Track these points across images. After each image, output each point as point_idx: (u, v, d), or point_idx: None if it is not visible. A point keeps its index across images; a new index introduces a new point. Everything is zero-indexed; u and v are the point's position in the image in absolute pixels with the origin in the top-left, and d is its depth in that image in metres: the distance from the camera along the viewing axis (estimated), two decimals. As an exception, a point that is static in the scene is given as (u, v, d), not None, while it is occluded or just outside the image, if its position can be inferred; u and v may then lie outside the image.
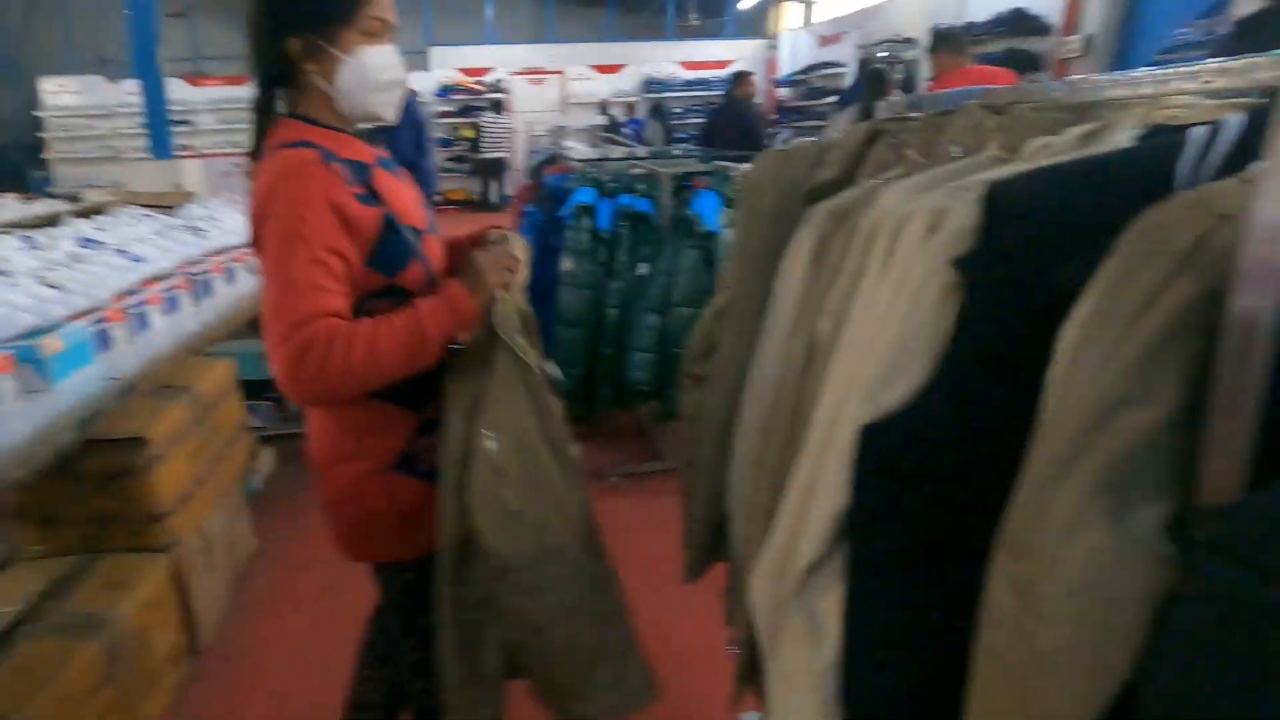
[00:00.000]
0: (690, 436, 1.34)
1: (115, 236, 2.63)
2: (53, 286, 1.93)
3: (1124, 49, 6.76)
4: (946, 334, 0.80)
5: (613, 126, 11.23)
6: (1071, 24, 7.09)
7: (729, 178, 3.07)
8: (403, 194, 1.25)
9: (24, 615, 1.80)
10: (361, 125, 1.26)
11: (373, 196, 1.17)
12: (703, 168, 3.25)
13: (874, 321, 0.87)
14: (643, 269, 3.01)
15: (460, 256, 1.34)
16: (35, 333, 1.73)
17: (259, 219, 1.13)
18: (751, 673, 1.15)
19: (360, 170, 1.18)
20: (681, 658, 2.15)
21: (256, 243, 1.15)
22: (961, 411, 0.77)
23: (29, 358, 1.66)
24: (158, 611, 1.96)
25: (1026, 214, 0.71)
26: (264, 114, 1.22)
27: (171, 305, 2.40)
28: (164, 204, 4.83)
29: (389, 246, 1.18)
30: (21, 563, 1.95)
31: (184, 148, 11.18)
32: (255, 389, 3.47)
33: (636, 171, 3.34)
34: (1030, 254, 0.72)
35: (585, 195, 3.08)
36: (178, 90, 11.71)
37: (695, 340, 1.30)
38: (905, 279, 0.85)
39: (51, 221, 3.57)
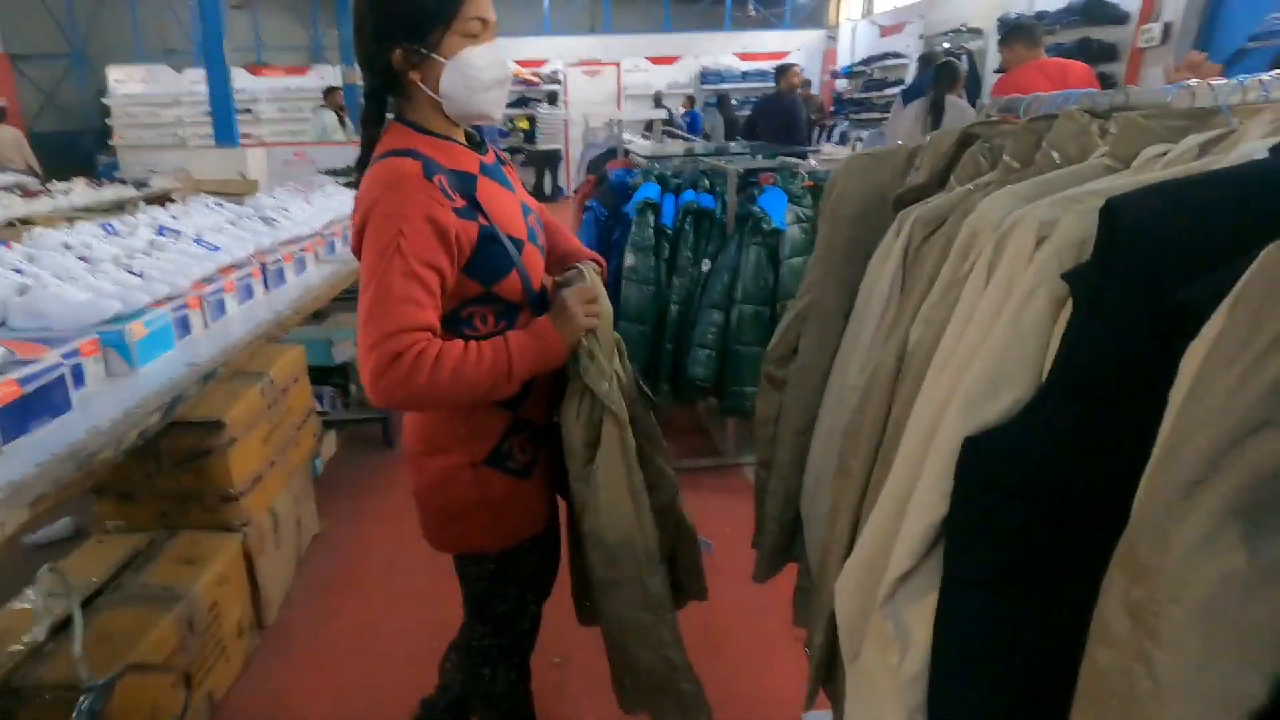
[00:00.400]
0: (767, 438, 1.33)
1: (191, 225, 2.72)
2: (136, 274, 2.00)
3: (1207, 37, 6.45)
4: (1053, 348, 0.79)
5: (670, 119, 11.16)
6: (1149, 10, 6.74)
7: (795, 175, 3.04)
8: (505, 203, 1.25)
9: (105, 585, 1.88)
10: (474, 124, 1.28)
11: (473, 207, 1.18)
12: (768, 164, 3.22)
13: (975, 332, 0.86)
14: (706, 265, 3.00)
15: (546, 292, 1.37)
16: (120, 318, 1.80)
17: (360, 227, 1.15)
18: (827, 675, 1.14)
19: (463, 181, 1.19)
20: (740, 654, 2.15)
21: (357, 248, 1.16)
22: (1070, 428, 0.75)
23: (115, 342, 1.73)
24: (228, 587, 2.03)
25: (1152, 231, 0.69)
26: (372, 125, 1.24)
27: (246, 293, 2.47)
28: (230, 191, 4.99)
29: (487, 257, 1.19)
30: (102, 536, 2.03)
31: (246, 136, 11.53)
32: (320, 375, 3.57)
33: (700, 167, 3.33)
34: (1153, 272, 0.70)
35: (650, 191, 3.08)
36: (240, 80, 12.09)
37: (775, 342, 1.30)
38: (1010, 290, 0.83)
39: (121, 206, 3.72)
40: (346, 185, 4.81)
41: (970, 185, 1.10)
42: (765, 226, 2.90)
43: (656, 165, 3.41)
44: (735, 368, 2.95)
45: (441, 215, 1.12)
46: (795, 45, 13.83)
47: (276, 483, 2.38)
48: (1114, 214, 0.72)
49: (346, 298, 4.45)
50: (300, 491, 2.62)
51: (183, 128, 11.98)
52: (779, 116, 6.76)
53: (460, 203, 1.16)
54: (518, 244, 1.24)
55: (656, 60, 13.45)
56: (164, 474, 2.01)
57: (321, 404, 3.57)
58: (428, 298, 1.12)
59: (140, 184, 6.53)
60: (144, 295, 1.87)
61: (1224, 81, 0.93)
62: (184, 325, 2.05)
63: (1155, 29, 6.62)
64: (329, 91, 8.99)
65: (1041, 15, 7.48)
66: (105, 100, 12.40)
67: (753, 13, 14.56)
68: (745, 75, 13.12)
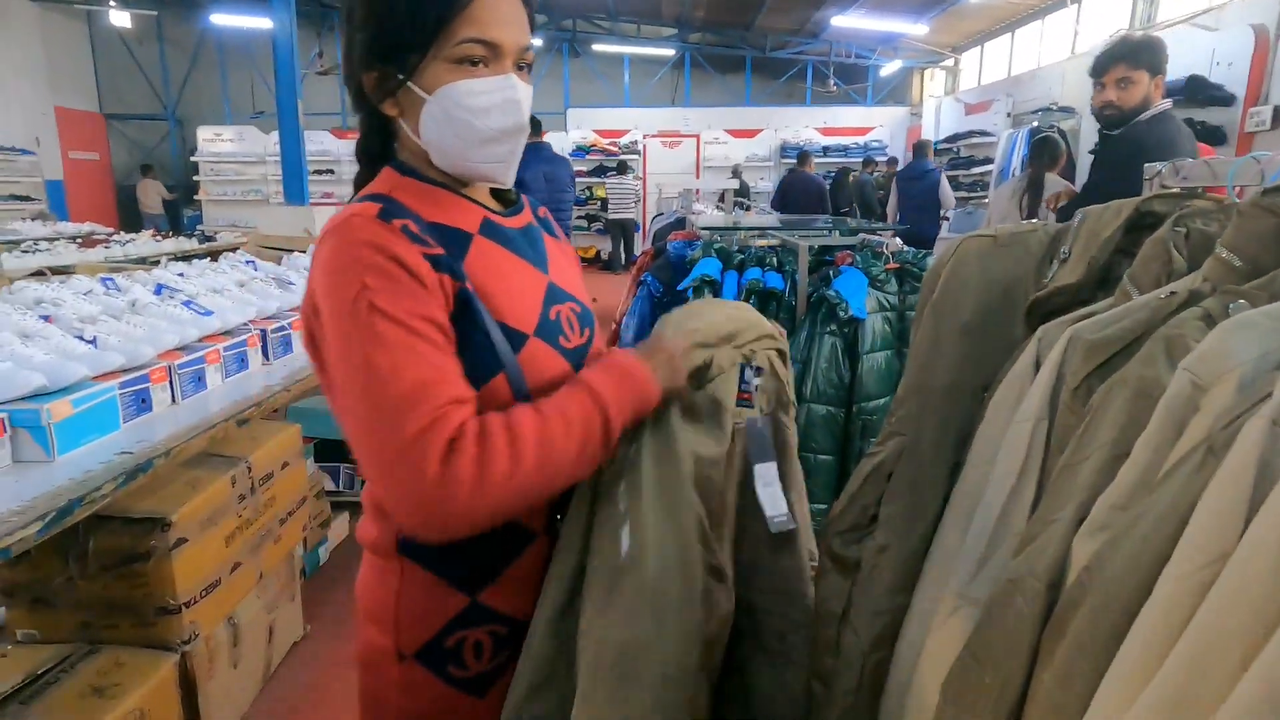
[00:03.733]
0: (828, 642, 0.90)
1: (198, 285, 2.48)
2: (88, 340, 1.73)
3: None
4: None
5: (743, 189, 10.97)
6: (1256, 92, 6.31)
7: (879, 255, 2.63)
8: (513, 279, 0.89)
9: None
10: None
11: (455, 265, 0.83)
12: (847, 240, 2.83)
13: (1233, 594, 0.43)
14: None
15: None
16: (45, 394, 1.51)
17: (308, 311, 0.82)
18: None
19: (448, 237, 0.85)
20: None
21: (314, 350, 0.83)
22: None
23: (28, 423, 1.43)
24: (157, 721, 1.67)
25: None
26: (361, 167, 0.95)
27: (239, 364, 2.19)
28: (293, 247, 4.88)
29: (462, 344, 0.82)
30: (5, 649, 1.71)
31: (328, 195, 11.87)
32: (332, 450, 3.28)
33: (767, 242, 2.96)
34: None
35: (709, 267, 2.71)
36: (325, 141, 12.58)
37: (844, 505, 0.88)
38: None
39: (182, 259, 3.59)
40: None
41: (1164, 292, 0.67)
42: (842, 314, 2.49)
43: (719, 238, 3.05)
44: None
45: (408, 254, 0.79)
46: (879, 121, 13.60)
47: (242, 588, 2.04)
48: None
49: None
50: (278, 594, 2.27)
51: (266, 185, 12.49)
52: (804, 188, 7.92)
53: (437, 249, 0.82)
54: (515, 337, 0.86)
55: (736, 133, 13.43)
56: (90, 578, 1.69)
57: (336, 483, 3.27)
58: (449, 360, 0.79)
59: (208, 238, 6.59)
60: (81, 368, 1.58)
61: None
62: (140, 402, 1.75)
63: (1265, 112, 6.15)
64: None
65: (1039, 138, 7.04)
66: (195, 158, 13.03)
67: (834, 88, 14.43)
68: (826, 149, 12.93)
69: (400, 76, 0.84)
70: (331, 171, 12.63)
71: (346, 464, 3.30)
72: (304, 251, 3.62)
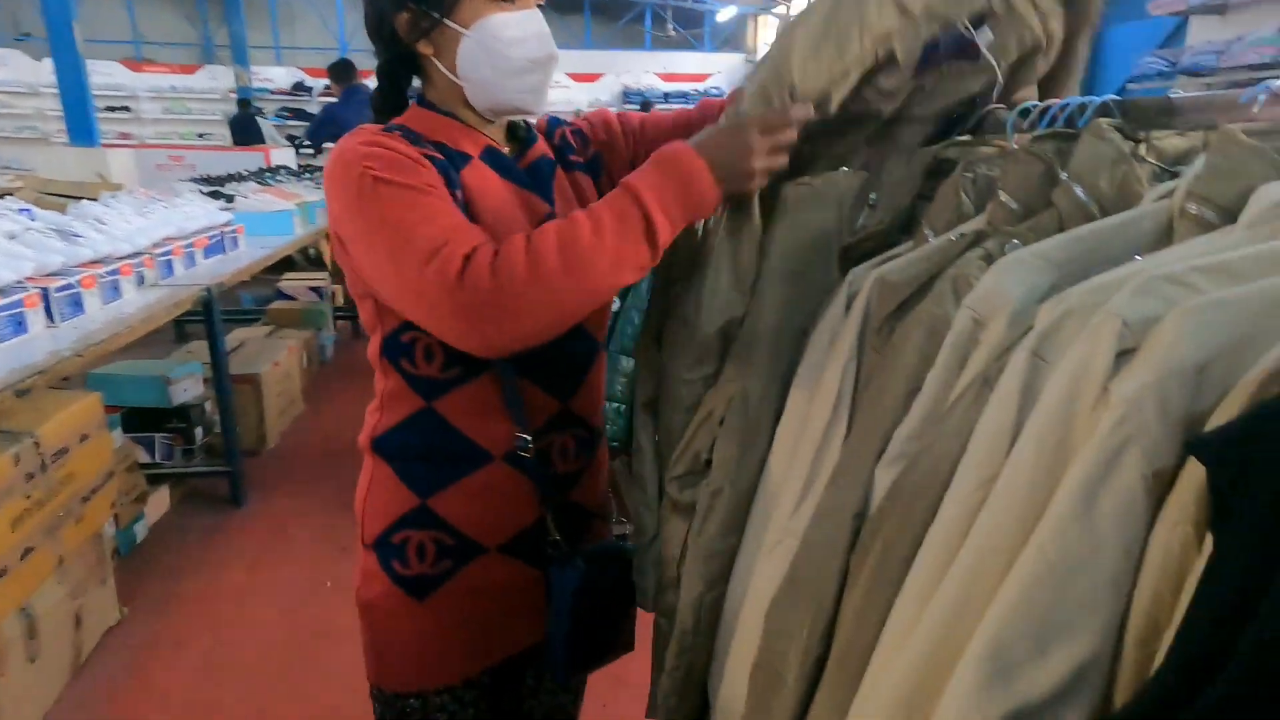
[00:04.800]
0: (669, 580, 0.92)
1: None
2: None
3: (1089, 77, 6.68)
4: (1157, 570, 0.41)
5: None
6: None
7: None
8: (501, 203, 0.91)
9: None
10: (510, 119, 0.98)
11: (450, 176, 0.87)
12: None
13: (1004, 518, 0.47)
14: (614, 304, 2.60)
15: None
16: None
17: (334, 224, 0.87)
18: None
19: (450, 154, 0.89)
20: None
21: (341, 249, 0.88)
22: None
23: None
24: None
25: None
26: (381, 114, 0.96)
27: (13, 327, 1.93)
28: (85, 194, 4.32)
29: None
30: None
31: (126, 136, 10.55)
32: (152, 419, 3.00)
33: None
34: None
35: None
36: (116, 74, 11.06)
37: (678, 452, 0.89)
38: (1068, 445, 0.45)
39: None
40: (211, 194, 4.22)
41: (954, 234, 0.72)
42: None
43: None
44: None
45: (407, 149, 0.84)
46: (716, 68, 13.79)
47: (36, 575, 1.84)
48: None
49: (190, 320, 3.87)
50: (85, 578, 2.07)
51: (44, 121, 10.47)
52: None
53: (434, 154, 0.87)
54: None
55: (578, 77, 13.18)
56: None
57: (152, 455, 2.99)
58: (456, 211, 0.83)
59: (-24, 183, 5.71)
60: None
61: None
62: (-114, 377, 1.51)
63: None
64: None
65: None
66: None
67: (673, 33, 14.45)
68: (667, 96, 13.01)
69: (436, 15, 0.86)
70: (127, 109, 11.07)
71: (163, 434, 3.02)
72: (95, 199, 3.21)
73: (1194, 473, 0.39)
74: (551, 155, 1.01)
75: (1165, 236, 0.58)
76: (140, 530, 2.70)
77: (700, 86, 13.35)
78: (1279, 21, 4.18)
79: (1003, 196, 0.72)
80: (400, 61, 0.93)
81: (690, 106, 1.14)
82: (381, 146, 0.83)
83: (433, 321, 0.80)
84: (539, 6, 0.91)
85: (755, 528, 0.83)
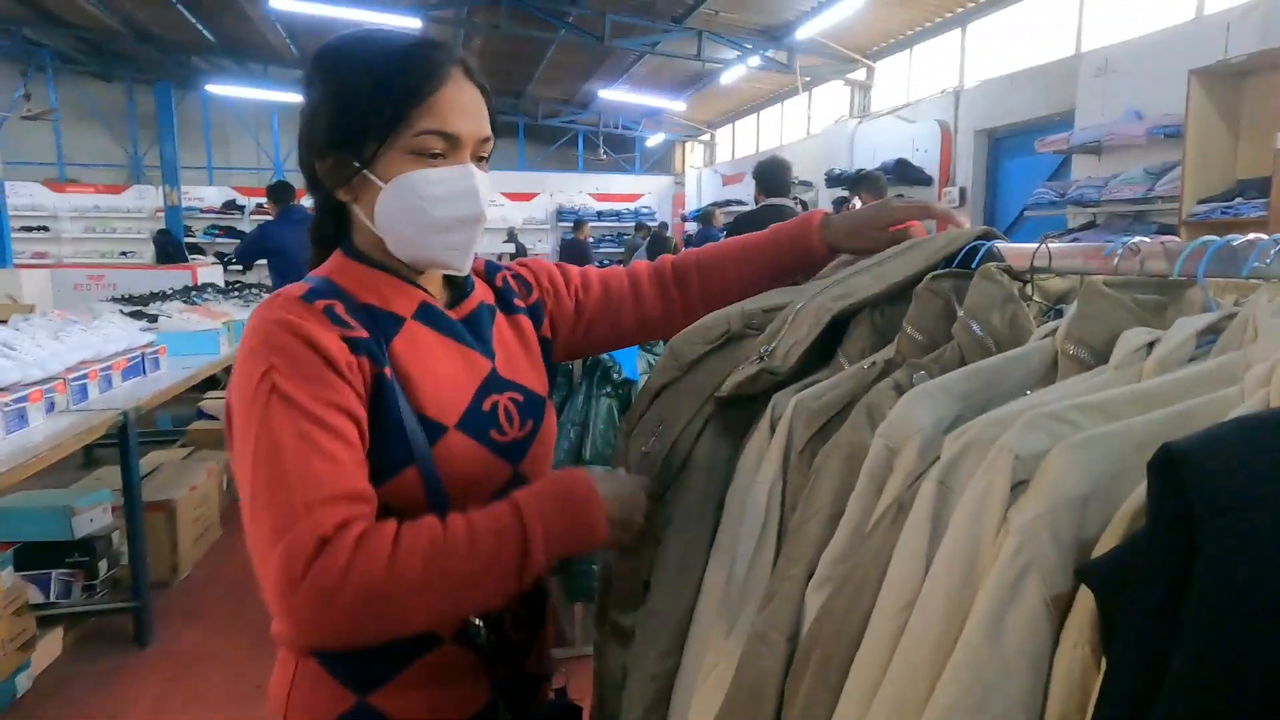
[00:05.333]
0: (610, 711, 0.90)
1: None
2: None
3: (991, 202, 7.34)
4: (1069, 690, 0.43)
5: (520, 252, 11.13)
6: (946, 176, 7.61)
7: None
8: (440, 366, 0.85)
9: None
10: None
11: (378, 348, 0.80)
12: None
13: (923, 638, 0.50)
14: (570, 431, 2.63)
15: None
16: None
17: (228, 393, 0.79)
18: None
19: (379, 321, 0.82)
20: None
21: (229, 430, 0.78)
22: None
23: None
24: None
25: (1257, 505, 0.36)
26: (317, 254, 0.90)
27: (-92, 460, 1.82)
28: (-9, 317, 4.15)
29: (378, 427, 0.78)
30: None
31: (42, 255, 10.33)
32: (53, 554, 2.79)
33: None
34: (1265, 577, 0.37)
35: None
36: (36, 194, 10.97)
37: (617, 581, 0.90)
38: (974, 569, 0.48)
39: None
40: (133, 314, 4.13)
41: (866, 363, 0.78)
42: (615, 376, 2.58)
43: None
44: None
45: (323, 337, 0.76)
46: (647, 189, 14.46)
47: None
48: (1180, 467, 0.39)
49: (103, 444, 3.69)
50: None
51: None
52: (576, 258, 8.43)
53: (359, 332, 0.79)
54: (432, 428, 0.81)
55: (513, 196, 13.60)
56: None
57: (47, 594, 2.77)
58: (346, 450, 0.73)
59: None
60: None
61: (1183, 243, 0.67)
62: None
63: (954, 192, 7.44)
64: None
65: (859, 172, 8.16)
66: None
67: (604, 157, 15.17)
68: (600, 214, 13.52)
69: (356, 164, 0.81)
70: (46, 229, 10.97)
71: (62, 569, 2.81)
72: (4, 322, 3.10)
73: (1086, 597, 0.42)
74: (491, 300, 0.95)
75: (1052, 370, 0.64)
76: (23, 681, 2.46)
77: (632, 205, 13.94)
78: (1143, 163, 4.71)
79: (909, 330, 0.79)
80: (329, 200, 0.88)
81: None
82: (294, 335, 0.75)
83: (268, 597, 0.69)
84: (481, 159, 0.85)
85: (694, 649, 0.83)
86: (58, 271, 6.57)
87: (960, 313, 0.76)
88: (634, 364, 2.64)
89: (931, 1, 7.82)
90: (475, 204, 0.83)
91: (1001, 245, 0.85)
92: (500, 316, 0.95)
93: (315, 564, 0.66)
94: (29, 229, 10.57)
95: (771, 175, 4.07)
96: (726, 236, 5.38)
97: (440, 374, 0.84)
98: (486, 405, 0.87)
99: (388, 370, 0.79)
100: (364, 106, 0.80)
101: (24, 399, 2.29)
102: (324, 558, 0.66)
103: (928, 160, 7.78)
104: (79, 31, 10.17)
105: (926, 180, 7.74)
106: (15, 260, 5.95)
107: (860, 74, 9.69)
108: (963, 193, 7.47)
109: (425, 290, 0.88)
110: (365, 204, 0.83)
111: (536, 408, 0.92)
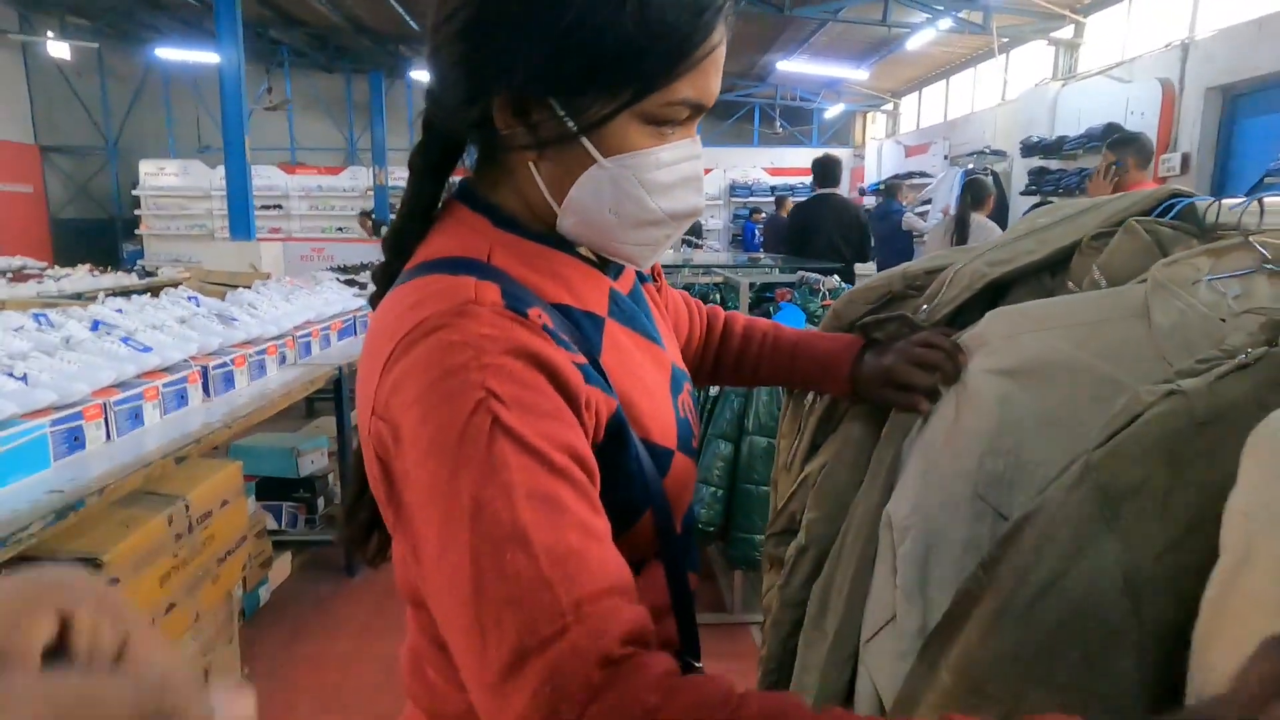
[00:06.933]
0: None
1: (136, 321, 2.45)
2: (18, 378, 1.71)
3: (1222, 169, 6.40)
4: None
5: (695, 228, 11.22)
6: (1166, 140, 6.71)
7: (816, 291, 2.74)
8: (646, 374, 0.67)
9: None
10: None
11: (600, 375, 0.60)
12: (786, 278, 2.93)
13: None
14: (713, 389, 2.67)
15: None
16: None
17: (383, 441, 0.55)
18: None
19: (582, 328, 0.63)
20: None
21: (388, 489, 0.56)
22: None
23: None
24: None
25: None
26: (422, 186, 0.67)
27: (178, 401, 2.17)
28: (238, 283, 4.84)
29: (609, 479, 0.57)
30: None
31: (275, 230, 11.76)
32: (281, 489, 3.23)
33: (713, 279, 3.05)
34: None
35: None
36: (273, 177, 12.53)
37: (774, 514, 0.96)
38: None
39: (123, 295, 3.51)
40: (346, 283, 4.62)
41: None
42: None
43: (668, 275, 3.14)
44: (745, 510, 2.56)
45: (553, 353, 0.56)
46: (824, 162, 14.04)
47: (176, 629, 2.00)
48: None
49: (320, 397, 4.16)
50: (215, 636, 2.23)
51: (211, 220, 12.25)
52: (779, 233, 7.54)
53: (579, 355, 0.59)
54: (662, 456, 0.64)
55: (685, 172, 13.69)
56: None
57: (279, 522, 3.22)
58: (600, 520, 0.53)
59: (149, 273, 6.47)
60: (10, 406, 1.56)
61: None
62: (73, 440, 1.73)
63: (1175, 159, 6.57)
64: None
65: (1062, 139, 7.44)
66: (136, 192, 12.75)
67: (780, 130, 14.88)
68: (774, 189, 13.32)
69: (572, 125, 0.59)
70: (280, 207, 12.55)
71: (290, 502, 3.25)
72: (248, 286, 3.59)
73: None
74: (633, 278, 0.75)
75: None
76: (264, 594, 2.88)
77: (807, 180, 13.61)
78: None
79: (1069, 285, 0.75)
80: (460, 146, 0.67)
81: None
82: (521, 356, 0.54)
83: None
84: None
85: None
86: (288, 244, 7.51)
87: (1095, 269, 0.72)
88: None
89: (1160, -57, 6.95)
90: (699, 195, 0.64)
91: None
92: (646, 286, 0.77)
93: (606, 698, 0.45)
94: (267, 207, 12.11)
95: (826, 170, 4.95)
96: (788, 224, 5.09)
97: (650, 384, 0.66)
98: (682, 410, 0.69)
99: (615, 401, 0.60)
100: (622, 52, 0.56)
101: (263, 352, 2.65)
102: (616, 692, 0.45)
103: (1144, 124, 6.94)
104: (309, 29, 11.36)
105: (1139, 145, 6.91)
106: (257, 235, 6.83)
107: (1067, 31, 8.82)
108: (1185, 159, 6.61)
109: (604, 271, 0.68)
110: (553, 168, 0.61)
111: (693, 395, 0.75)
